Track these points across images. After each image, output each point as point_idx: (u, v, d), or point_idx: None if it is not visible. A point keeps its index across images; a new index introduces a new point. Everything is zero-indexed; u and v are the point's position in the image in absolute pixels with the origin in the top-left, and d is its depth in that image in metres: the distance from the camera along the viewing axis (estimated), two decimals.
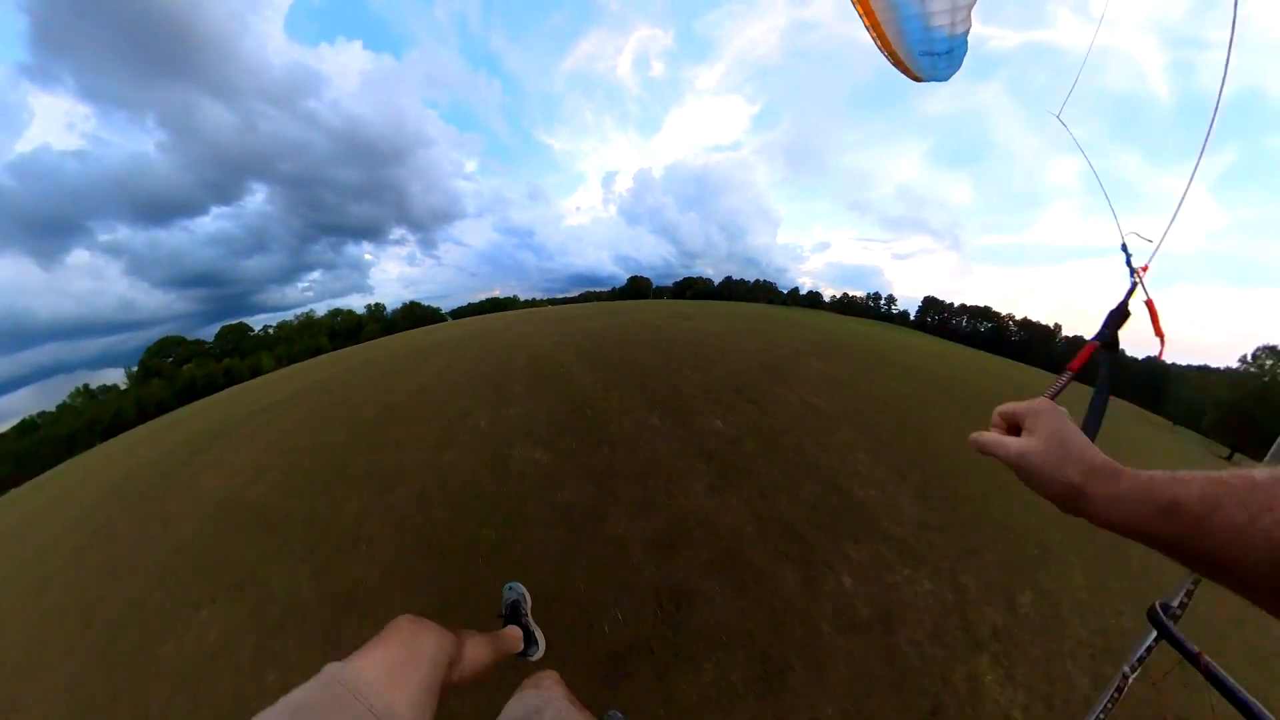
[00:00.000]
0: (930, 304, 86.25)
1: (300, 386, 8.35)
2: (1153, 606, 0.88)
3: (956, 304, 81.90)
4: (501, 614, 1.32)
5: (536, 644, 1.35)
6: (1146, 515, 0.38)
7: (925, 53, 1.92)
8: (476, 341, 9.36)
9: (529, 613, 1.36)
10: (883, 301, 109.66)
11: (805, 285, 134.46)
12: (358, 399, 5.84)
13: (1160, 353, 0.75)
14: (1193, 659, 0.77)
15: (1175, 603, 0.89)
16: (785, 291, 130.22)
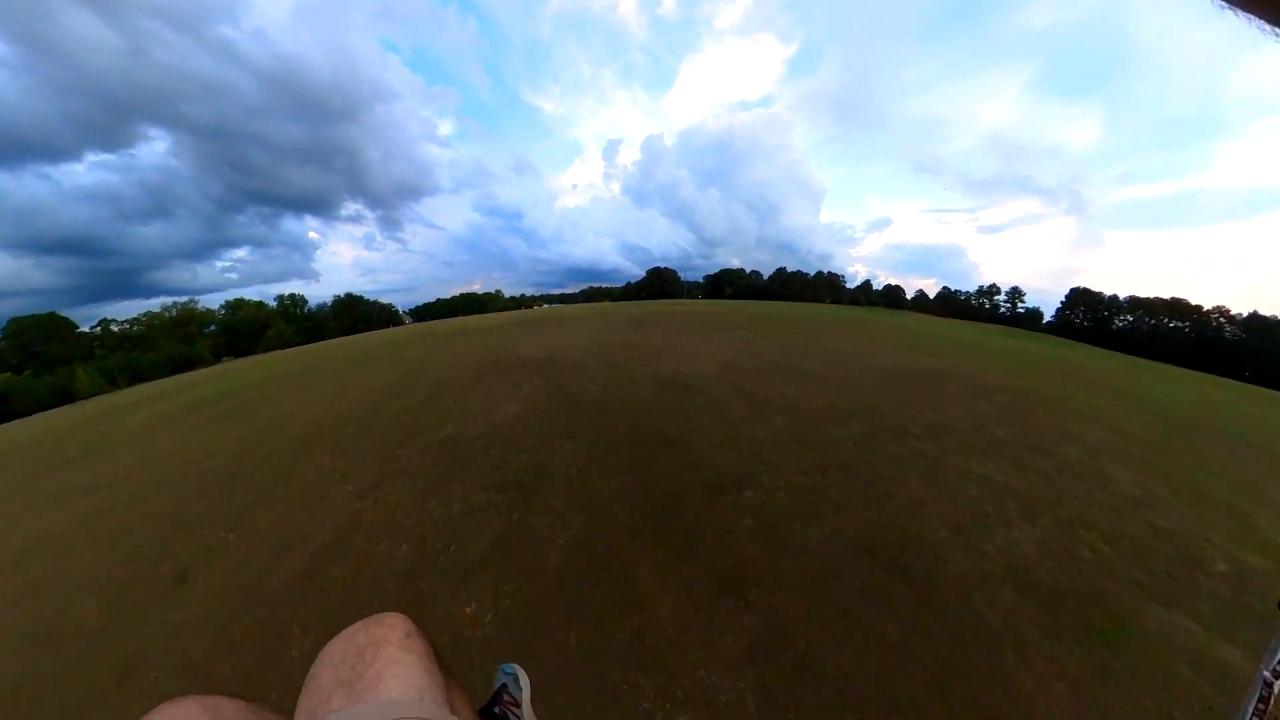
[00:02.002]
0: (1081, 298, 74.81)
1: None
2: None
3: (1124, 296, 66.32)
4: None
5: None
6: None
7: None
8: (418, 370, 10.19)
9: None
10: (1001, 297, 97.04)
11: (858, 275, 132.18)
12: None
13: None
14: None
15: None
16: (853, 286, 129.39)
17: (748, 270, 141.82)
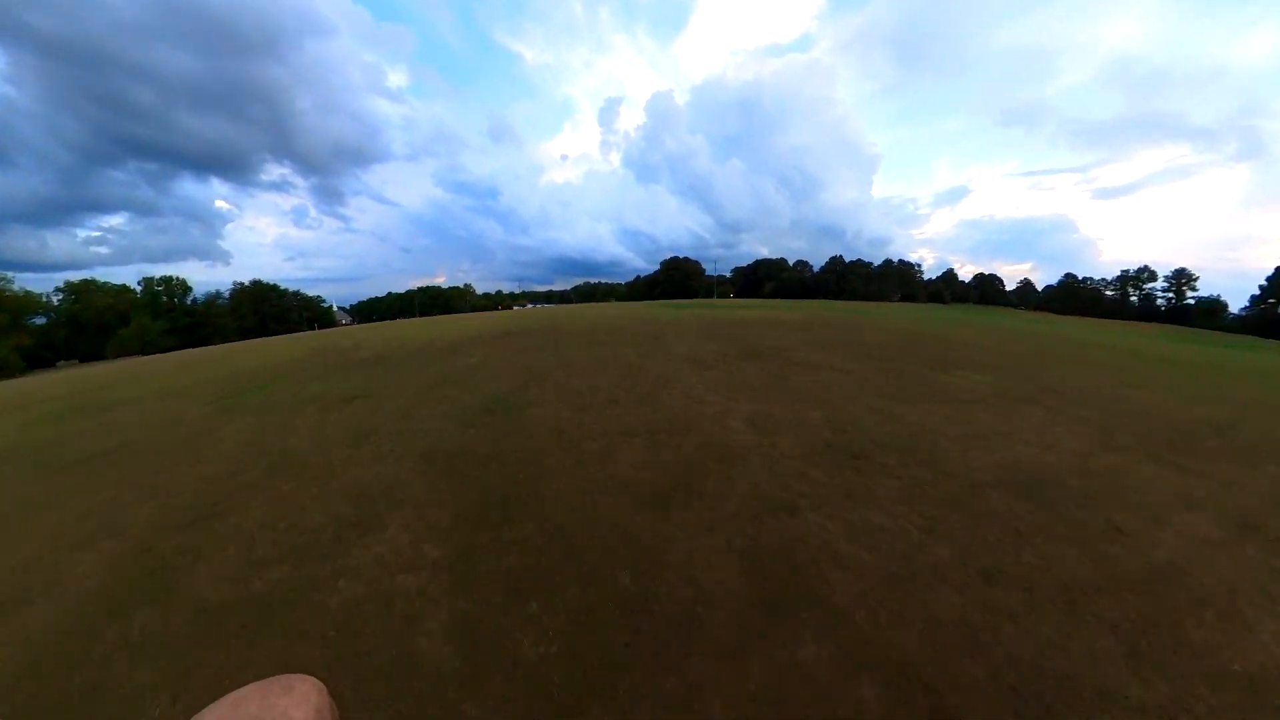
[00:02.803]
0: None
1: None
2: None
3: None
4: None
5: None
6: None
7: None
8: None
9: None
10: (1159, 284, 77.66)
11: (924, 261, 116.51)
12: None
13: None
14: None
15: None
16: (932, 278, 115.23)
17: (787, 260, 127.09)
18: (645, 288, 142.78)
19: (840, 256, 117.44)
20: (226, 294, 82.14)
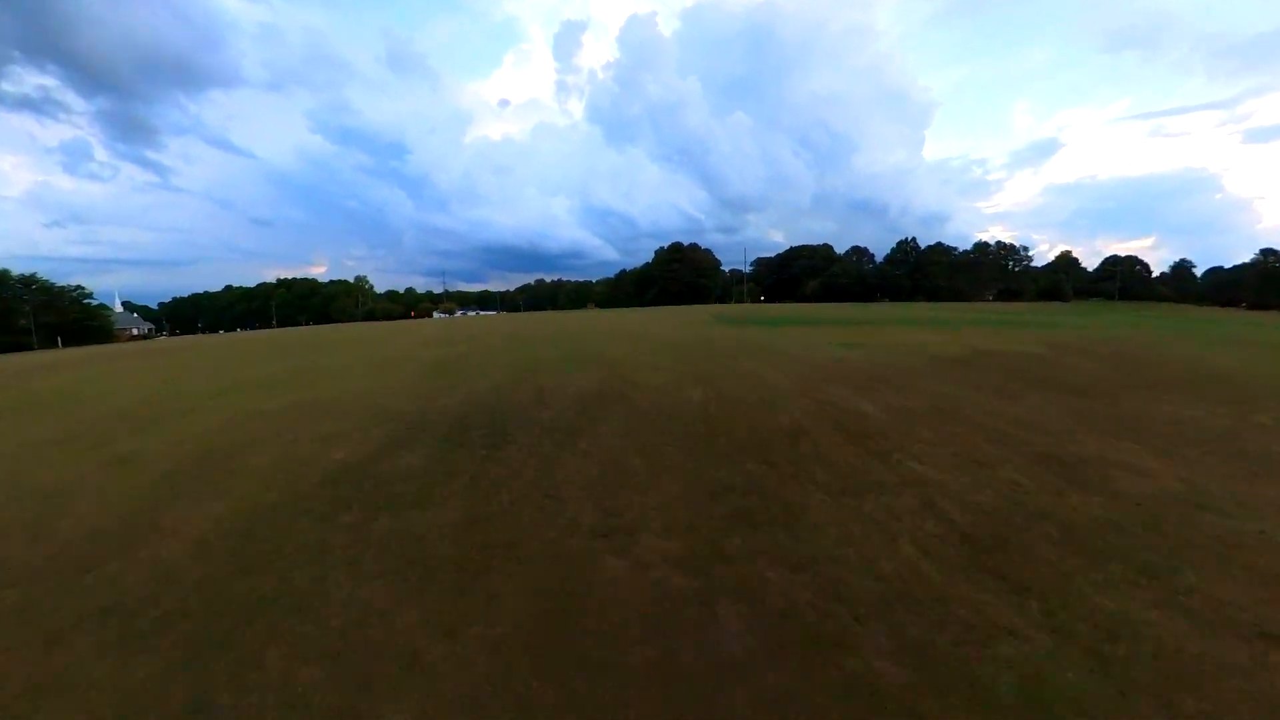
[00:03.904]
0: None
1: None
2: None
3: None
4: None
5: None
6: None
7: None
8: None
9: None
10: None
11: (994, 240, 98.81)
12: None
13: None
14: None
15: None
16: (1040, 265, 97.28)
17: (833, 247, 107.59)
18: (634, 286, 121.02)
19: (912, 241, 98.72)
20: None
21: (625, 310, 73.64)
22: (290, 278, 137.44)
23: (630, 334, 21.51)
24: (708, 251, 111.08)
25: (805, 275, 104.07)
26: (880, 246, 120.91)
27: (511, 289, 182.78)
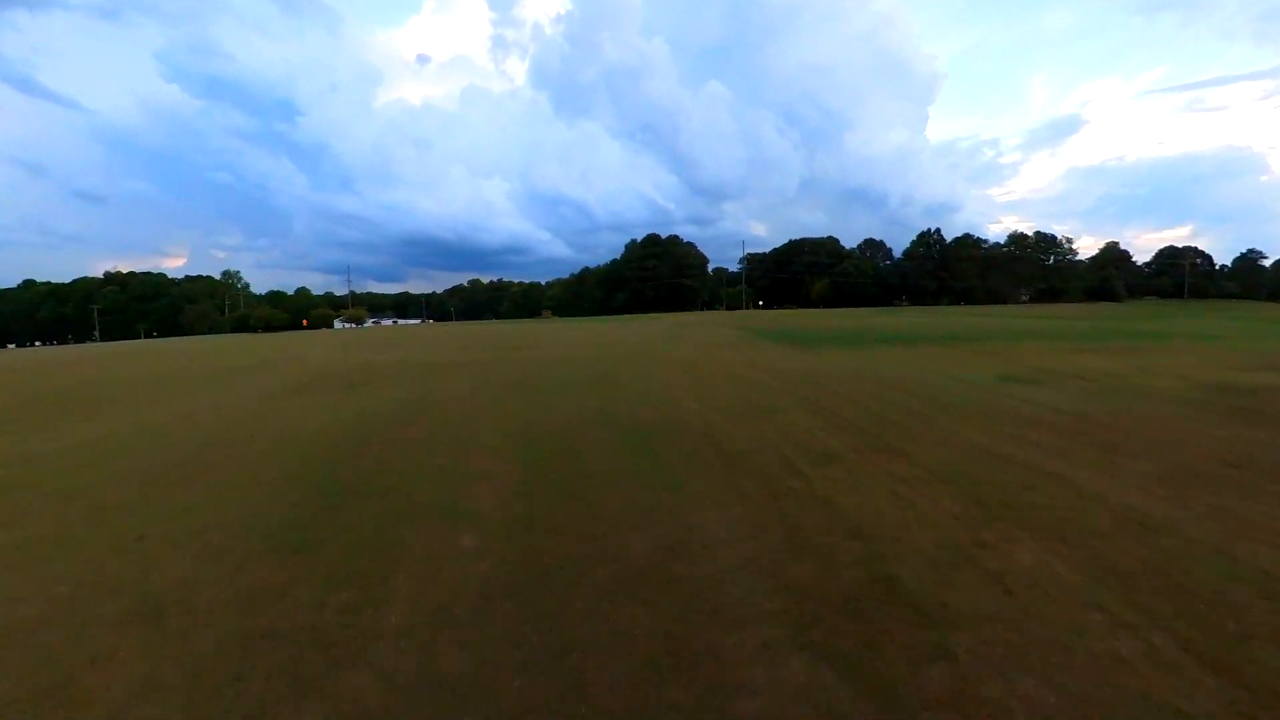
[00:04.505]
0: None
1: None
2: None
3: None
4: None
5: None
6: None
7: None
8: None
9: None
10: None
11: (1007, 231, 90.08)
12: None
13: None
14: None
15: None
16: (1074, 259, 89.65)
17: (839, 241, 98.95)
18: (599, 289, 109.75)
19: (935, 233, 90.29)
20: None
21: (595, 320, 63.27)
22: (132, 270, 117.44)
23: (652, 358, 18.62)
24: (691, 245, 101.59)
25: (809, 274, 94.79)
26: (883, 238, 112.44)
27: (439, 290, 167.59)
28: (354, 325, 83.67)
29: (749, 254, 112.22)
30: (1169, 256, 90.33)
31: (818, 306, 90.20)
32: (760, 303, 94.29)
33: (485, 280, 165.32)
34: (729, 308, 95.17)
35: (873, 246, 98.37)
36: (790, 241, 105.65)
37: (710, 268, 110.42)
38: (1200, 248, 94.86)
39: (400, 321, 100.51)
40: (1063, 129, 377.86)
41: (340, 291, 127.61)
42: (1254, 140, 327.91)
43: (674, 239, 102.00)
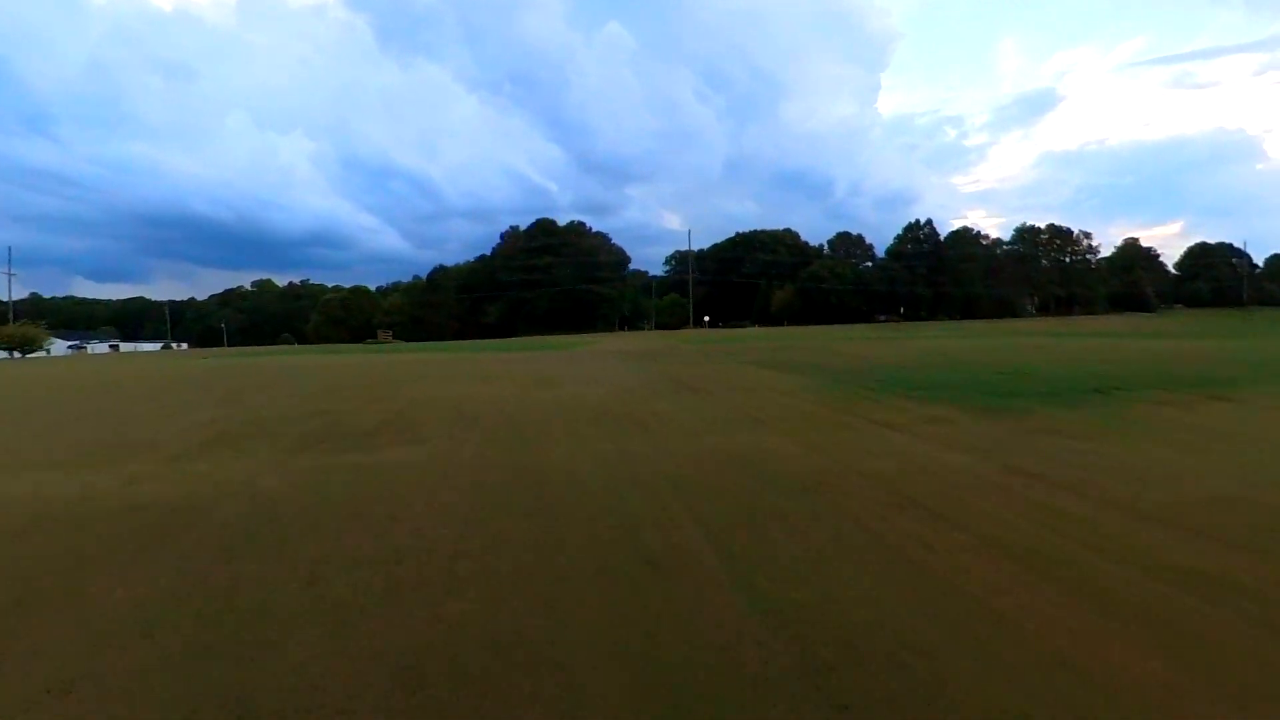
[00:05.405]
0: None
1: None
2: None
3: None
4: None
5: None
6: None
7: None
8: None
9: None
10: None
11: (982, 230, 74.96)
12: None
13: None
14: None
15: None
16: (1097, 259, 75.72)
17: (799, 236, 77.45)
18: (461, 299, 77.87)
19: (927, 226, 70.34)
20: None
21: (472, 347, 34.31)
22: None
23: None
24: (604, 236, 76.28)
25: (766, 279, 70.76)
26: (818, 235, 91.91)
27: (202, 297, 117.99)
28: (16, 355, 45.76)
29: (678, 252, 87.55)
30: (1202, 256, 79.74)
31: (782, 323, 67.39)
32: (706, 319, 68.78)
33: (281, 283, 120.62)
34: (658, 325, 69.28)
35: (848, 242, 79.89)
36: (738, 235, 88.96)
37: (642, 271, 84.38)
38: (1179, 246, 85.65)
39: (117, 347, 62.19)
40: (1036, 105, 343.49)
41: (22, 296, 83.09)
42: (1246, 123, 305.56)
43: (576, 227, 77.51)
